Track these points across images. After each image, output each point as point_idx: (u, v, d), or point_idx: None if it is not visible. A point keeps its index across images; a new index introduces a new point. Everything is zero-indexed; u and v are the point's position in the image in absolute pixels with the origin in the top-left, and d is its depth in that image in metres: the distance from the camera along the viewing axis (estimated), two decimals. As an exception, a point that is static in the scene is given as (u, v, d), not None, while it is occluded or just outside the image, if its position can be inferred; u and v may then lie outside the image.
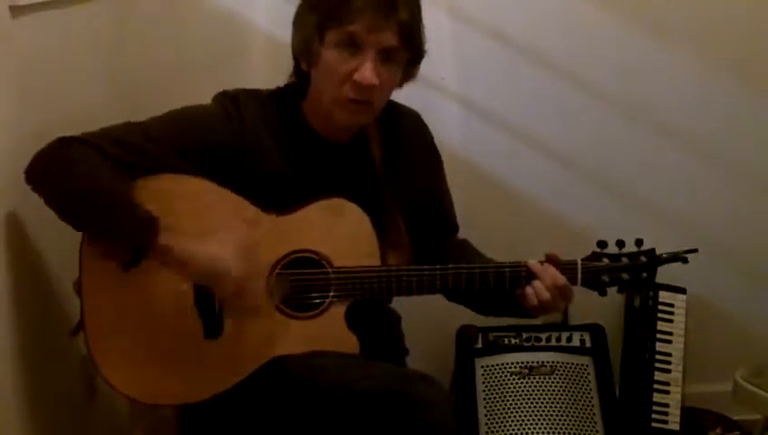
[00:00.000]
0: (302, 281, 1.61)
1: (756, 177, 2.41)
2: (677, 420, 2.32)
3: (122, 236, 1.48)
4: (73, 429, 1.82)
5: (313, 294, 1.61)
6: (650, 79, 2.33)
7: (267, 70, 2.17)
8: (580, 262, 1.65)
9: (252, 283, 1.53)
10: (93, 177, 1.48)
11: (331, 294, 1.61)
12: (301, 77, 1.67)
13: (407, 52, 1.59)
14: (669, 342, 2.37)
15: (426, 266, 1.63)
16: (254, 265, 1.55)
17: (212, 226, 1.55)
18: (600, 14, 2.29)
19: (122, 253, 1.50)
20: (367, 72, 1.54)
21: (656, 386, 2.34)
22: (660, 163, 2.39)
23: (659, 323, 2.38)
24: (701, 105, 2.36)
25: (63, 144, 1.50)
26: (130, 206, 1.47)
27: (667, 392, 2.33)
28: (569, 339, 2.27)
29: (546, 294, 1.61)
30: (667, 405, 2.33)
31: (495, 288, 1.64)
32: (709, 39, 2.32)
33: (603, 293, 1.67)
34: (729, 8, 2.31)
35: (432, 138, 1.83)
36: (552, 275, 1.62)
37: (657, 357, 2.35)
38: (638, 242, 1.67)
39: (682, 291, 2.40)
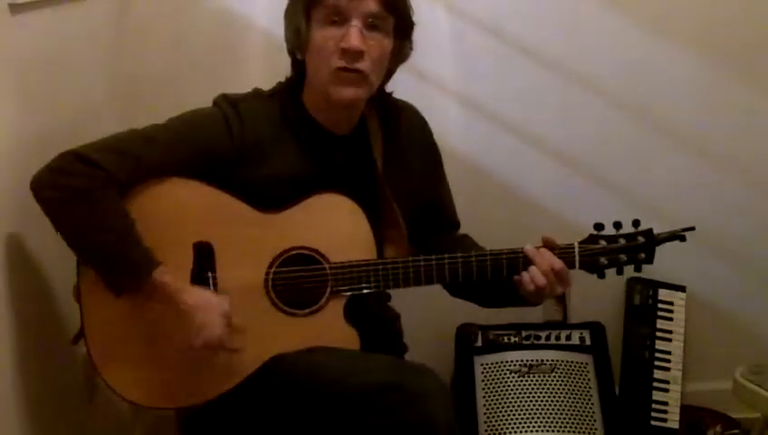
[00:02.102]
0: (299, 278, 1.61)
1: (757, 175, 2.41)
2: (677, 418, 2.32)
3: (116, 281, 1.53)
4: (74, 429, 1.82)
5: (311, 291, 1.62)
6: (652, 76, 2.33)
7: (266, 68, 2.18)
8: (577, 245, 1.65)
9: (226, 346, 1.55)
10: (96, 225, 1.51)
11: (329, 289, 1.62)
12: (298, 70, 1.68)
13: (392, 17, 1.61)
14: (669, 340, 2.37)
15: (422, 257, 1.63)
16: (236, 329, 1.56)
17: (208, 233, 1.59)
18: (600, 12, 2.29)
19: (112, 287, 1.54)
20: (352, 37, 1.56)
21: (655, 384, 2.34)
22: (661, 160, 2.39)
23: (659, 321, 2.38)
24: (702, 103, 2.36)
25: (70, 174, 1.50)
26: (130, 251, 1.51)
27: (667, 391, 2.33)
28: (568, 337, 2.26)
29: (542, 279, 1.61)
30: (666, 403, 2.33)
31: (493, 276, 1.64)
32: (710, 36, 2.32)
33: (602, 276, 1.68)
34: (730, 6, 2.31)
35: (432, 133, 1.83)
36: (548, 259, 1.62)
37: (657, 355, 2.36)
38: (636, 223, 1.67)
39: (682, 289, 2.40)
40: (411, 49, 1.69)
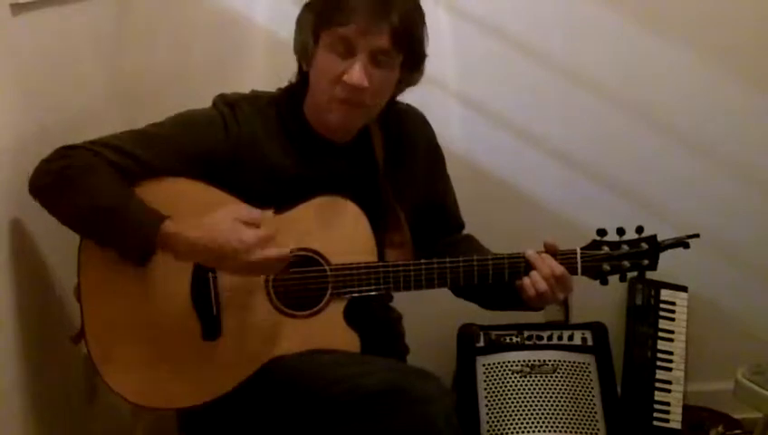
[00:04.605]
0: (299, 280, 1.61)
1: (758, 175, 2.41)
2: (679, 418, 2.32)
3: (128, 246, 1.50)
4: (75, 429, 1.82)
5: (311, 293, 1.61)
6: (651, 76, 2.33)
7: (267, 68, 2.19)
8: (579, 251, 1.65)
9: (258, 251, 1.46)
10: (98, 192, 1.49)
11: (329, 291, 1.62)
12: (303, 77, 1.68)
13: (400, 54, 1.58)
14: (671, 340, 2.37)
15: (423, 261, 1.63)
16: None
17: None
18: (601, 12, 2.29)
19: (129, 257, 1.51)
20: (356, 73, 1.54)
21: (657, 385, 2.34)
22: (662, 161, 2.39)
23: (661, 321, 2.38)
24: (702, 102, 2.36)
25: (65, 157, 1.51)
26: (136, 212, 1.49)
27: (669, 391, 2.33)
28: (570, 337, 2.26)
29: (543, 285, 1.61)
30: (668, 404, 2.33)
31: (495, 280, 1.64)
32: (711, 36, 2.32)
33: (605, 282, 1.67)
34: (731, 6, 2.31)
35: (434, 135, 1.83)
36: (550, 264, 1.62)
37: (659, 356, 2.36)
38: (639, 229, 1.66)
39: (683, 289, 2.40)
40: (421, 77, 1.67)
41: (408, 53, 1.59)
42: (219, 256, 1.47)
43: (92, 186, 1.49)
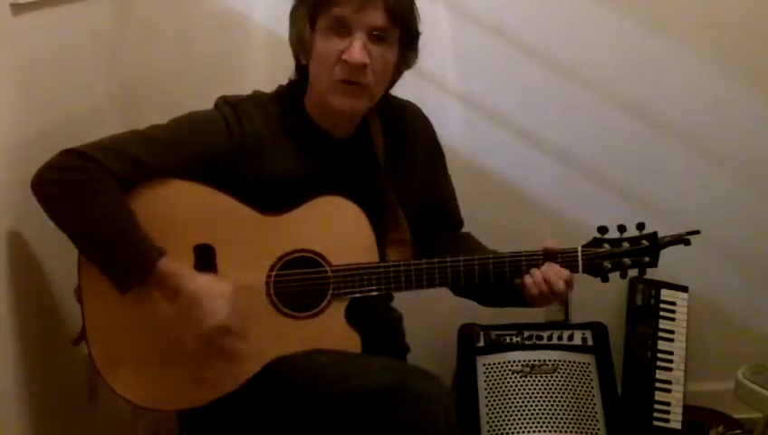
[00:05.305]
0: (300, 281, 1.61)
1: (758, 174, 2.41)
2: (679, 418, 2.31)
3: (121, 274, 1.51)
4: (75, 429, 1.82)
5: (313, 294, 1.61)
6: (651, 75, 2.33)
7: (267, 67, 2.19)
8: (580, 249, 1.65)
9: (229, 337, 1.53)
10: (101, 216, 1.50)
11: (330, 292, 1.62)
12: (302, 73, 1.68)
13: (396, 30, 1.59)
14: (671, 340, 2.37)
15: (424, 260, 1.63)
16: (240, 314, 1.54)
17: (209, 235, 1.58)
18: (600, 11, 2.29)
19: (118, 283, 1.52)
20: (355, 50, 1.55)
21: (657, 384, 2.34)
22: (662, 160, 2.39)
23: (661, 321, 2.38)
24: (702, 102, 2.36)
25: (71, 170, 1.50)
26: (135, 242, 1.50)
27: (669, 391, 2.33)
28: (570, 337, 2.26)
29: (544, 286, 1.61)
30: (668, 404, 2.32)
31: (496, 279, 1.64)
32: (711, 36, 2.32)
33: (606, 279, 1.67)
34: (730, 6, 2.31)
35: (434, 132, 1.83)
36: (557, 271, 1.62)
37: (659, 355, 2.36)
38: (640, 226, 1.67)
39: (684, 289, 2.40)
40: (416, 57, 1.68)
41: (403, 27, 1.61)
42: (190, 314, 1.51)
43: (96, 209, 1.50)
